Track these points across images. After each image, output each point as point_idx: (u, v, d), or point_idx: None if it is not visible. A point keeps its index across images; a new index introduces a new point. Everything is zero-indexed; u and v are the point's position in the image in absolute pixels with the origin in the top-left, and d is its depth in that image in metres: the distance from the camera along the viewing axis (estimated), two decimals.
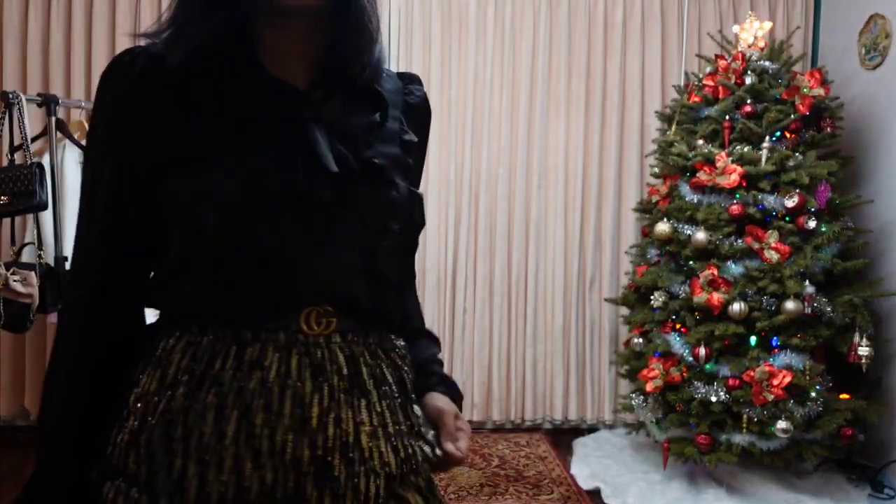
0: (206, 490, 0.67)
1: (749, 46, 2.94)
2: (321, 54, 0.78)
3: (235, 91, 0.74)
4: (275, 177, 0.71)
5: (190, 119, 0.73)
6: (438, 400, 0.86)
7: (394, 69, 0.89)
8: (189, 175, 0.71)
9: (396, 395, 0.79)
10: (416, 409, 0.83)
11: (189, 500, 0.67)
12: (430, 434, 0.83)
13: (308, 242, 0.73)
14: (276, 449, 0.68)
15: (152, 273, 0.78)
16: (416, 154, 0.85)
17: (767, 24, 2.98)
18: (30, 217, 2.47)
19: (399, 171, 0.80)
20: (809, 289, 2.56)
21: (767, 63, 2.89)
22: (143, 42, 0.75)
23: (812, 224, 2.62)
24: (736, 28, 3.03)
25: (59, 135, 2.46)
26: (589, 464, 2.99)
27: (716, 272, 2.63)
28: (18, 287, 2.23)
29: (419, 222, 0.83)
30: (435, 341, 0.94)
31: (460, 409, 0.88)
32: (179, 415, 0.69)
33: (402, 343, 0.85)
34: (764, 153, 2.71)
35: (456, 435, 0.82)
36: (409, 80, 0.88)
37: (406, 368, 0.83)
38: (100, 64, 3.26)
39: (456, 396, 0.89)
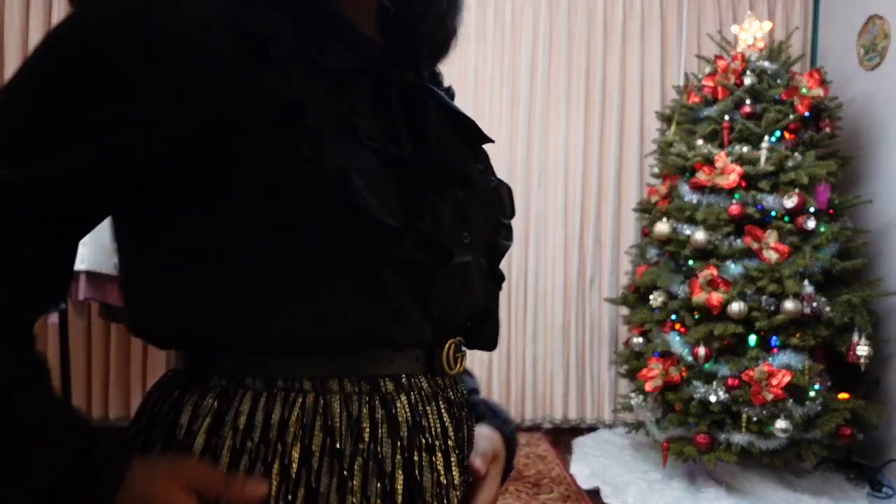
0: None
1: (748, 47, 2.95)
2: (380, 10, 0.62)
3: (322, 46, 0.55)
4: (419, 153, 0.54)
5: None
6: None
7: None
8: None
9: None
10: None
11: None
12: None
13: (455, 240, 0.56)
14: None
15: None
16: None
17: (767, 25, 2.98)
18: None
19: None
20: (808, 289, 2.56)
21: (767, 63, 2.89)
22: None
23: (811, 224, 2.63)
24: (735, 28, 3.03)
25: None
26: (588, 463, 3.00)
27: (715, 272, 2.64)
28: None
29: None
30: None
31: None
32: None
33: None
34: (763, 153, 2.72)
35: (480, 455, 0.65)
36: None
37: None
38: None
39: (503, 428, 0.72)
